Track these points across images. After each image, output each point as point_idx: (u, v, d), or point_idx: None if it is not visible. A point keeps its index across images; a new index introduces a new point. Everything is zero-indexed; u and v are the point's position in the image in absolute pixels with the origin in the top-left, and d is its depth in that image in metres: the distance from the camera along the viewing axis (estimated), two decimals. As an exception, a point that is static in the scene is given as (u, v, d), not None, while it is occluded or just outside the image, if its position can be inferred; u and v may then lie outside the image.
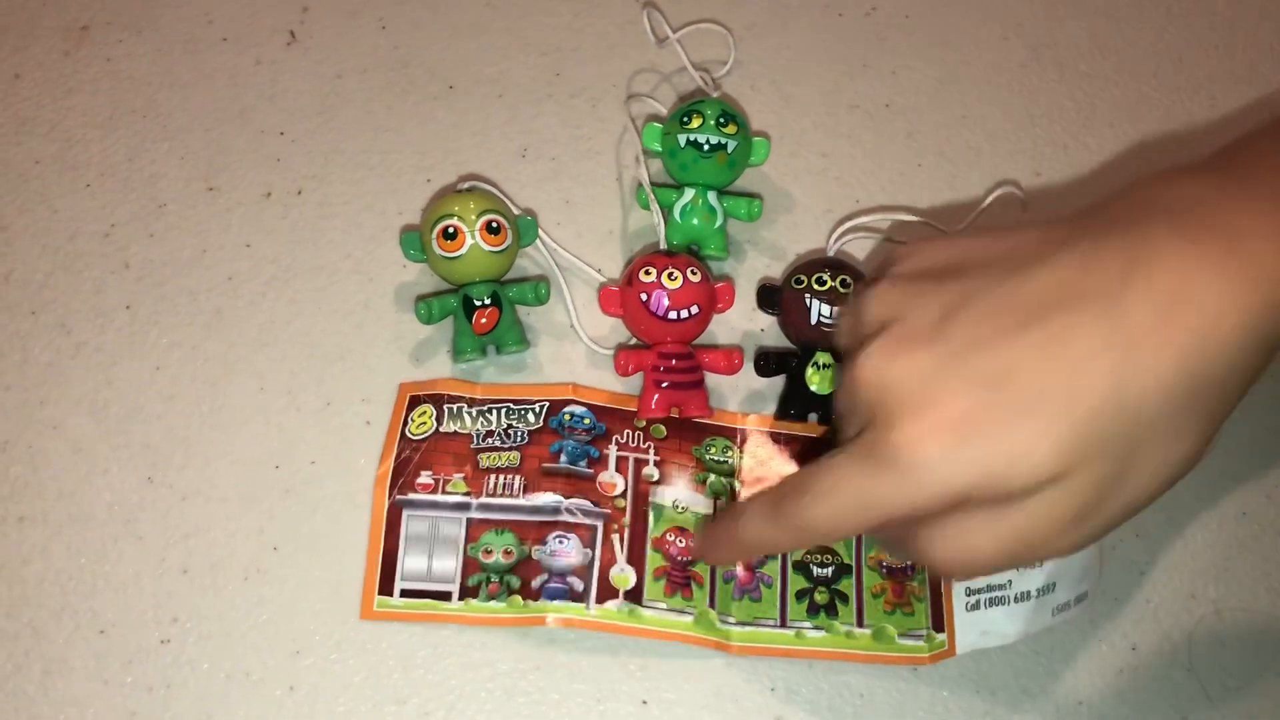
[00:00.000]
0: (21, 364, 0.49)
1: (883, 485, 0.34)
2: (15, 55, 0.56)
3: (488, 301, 0.48)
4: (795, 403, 0.48)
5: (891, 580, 0.46)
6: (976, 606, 0.44)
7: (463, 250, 0.47)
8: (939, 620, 0.45)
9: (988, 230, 0.38)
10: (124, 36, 0.57)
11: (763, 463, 0.48)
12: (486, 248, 0.47)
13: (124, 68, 0.56)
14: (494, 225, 0.47)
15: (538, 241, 0.51)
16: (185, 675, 0.44)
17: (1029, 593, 0.43)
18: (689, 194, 0.51)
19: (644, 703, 0.44)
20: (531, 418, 0.47)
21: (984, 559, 0.34)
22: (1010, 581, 0.44)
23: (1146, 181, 0.36)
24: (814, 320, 0.47)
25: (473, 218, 0.47)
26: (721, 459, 0.48)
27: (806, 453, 0.48)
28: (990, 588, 0.44)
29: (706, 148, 0.50)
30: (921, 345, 0.34)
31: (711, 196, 0.51)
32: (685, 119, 0.50)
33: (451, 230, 0.47)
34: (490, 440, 0.47)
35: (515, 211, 0.51)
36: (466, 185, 0.51)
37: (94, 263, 0.51)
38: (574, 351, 0.50)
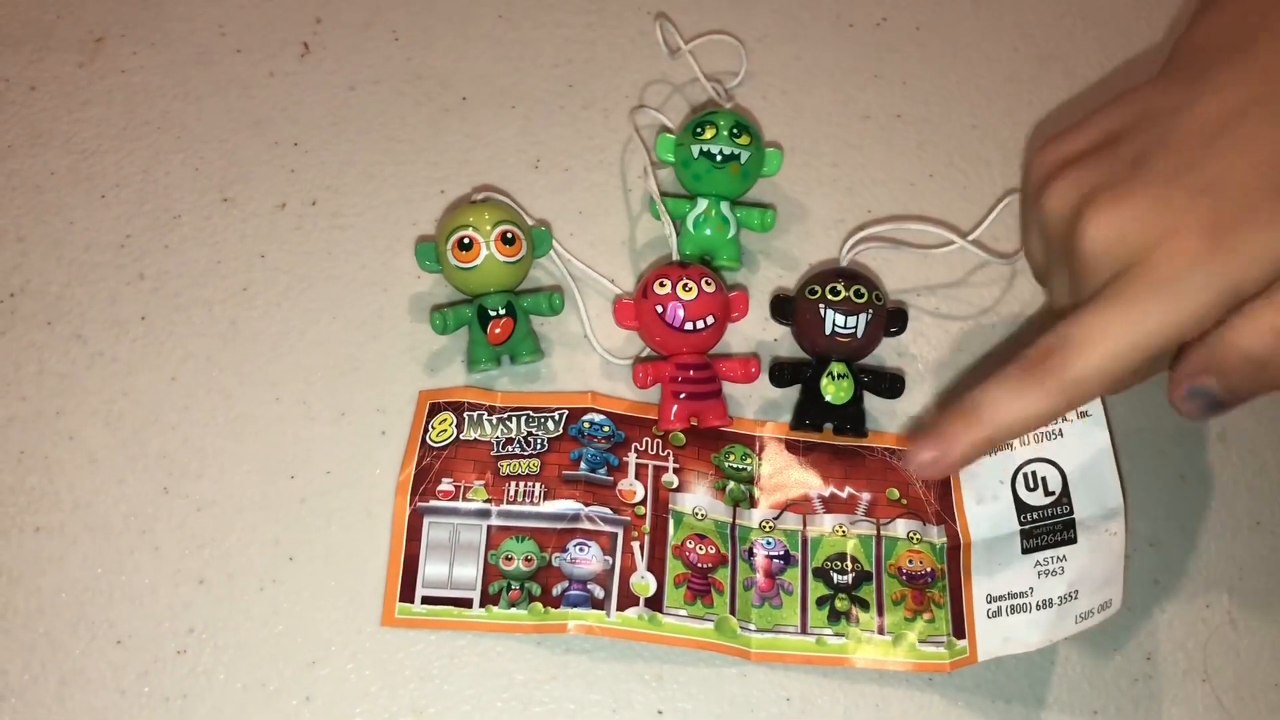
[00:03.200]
0: (38, 374, 0.49)
1: (1157, 313, 0.36)
2: (31, 67, 0.56)
3: (502, 312, 0.48)
4: (811, 413, 0.48)
5: (912, 587, 0.46)
6: (998, 614, 0.44)
7: (477, 261, 0.47)
8: (959, 627, 0.45)
9: (1091, 113, 0.41)
10: (138, 49, 0.57)
11: (781, 470, 0.48)
12: (501, 258, 0.47)
13: (138, 80, 0.56)
14: (509, 236, 0.48)
15: (551, 252, 0.51)
16: (202, 686, 0.44)
17: (1050, 600, 0.43)
18: (702, 204, 0.51)
19: (659, 712, 0.44)
20: (551, 425, 0.47)
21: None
22: (1032, 589, 0.44)
23: (1214, 19, 0.41)
24: (828, 330, 0.47)
25: (488, 228, 0.47)
26: (741, 466, 0.48)
27: (824, 461, 0.48)
28: (1011, 595, 0.44)
29: (720, 158, 0.50)
30: (1133, 191, 0.37)
31: (724, 207, 0.51)
32: (698, 130, 0.51)
33: (466, 241, 0.47)
34: (510, 448, 0.47)
35: (529, 222, 0.51)
36: (481, 196, 0.52)
37: (109, 274, 0.51)
38: (588, 361, 0.50)
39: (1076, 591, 0.43)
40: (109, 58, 0.57)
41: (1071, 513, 0.44)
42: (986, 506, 0.46)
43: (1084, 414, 0.45)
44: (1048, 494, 0.45)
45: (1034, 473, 0.45)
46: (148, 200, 0.53)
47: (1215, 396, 0.37)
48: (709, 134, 0.50)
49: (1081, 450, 0.45)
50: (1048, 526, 0.45)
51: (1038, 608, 0.43)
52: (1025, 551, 0.45)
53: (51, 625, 0.44)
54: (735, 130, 0.50)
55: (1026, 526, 0.45)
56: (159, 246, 0.52)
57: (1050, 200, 0.40)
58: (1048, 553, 0.44)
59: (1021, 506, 0.45)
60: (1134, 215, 0.37)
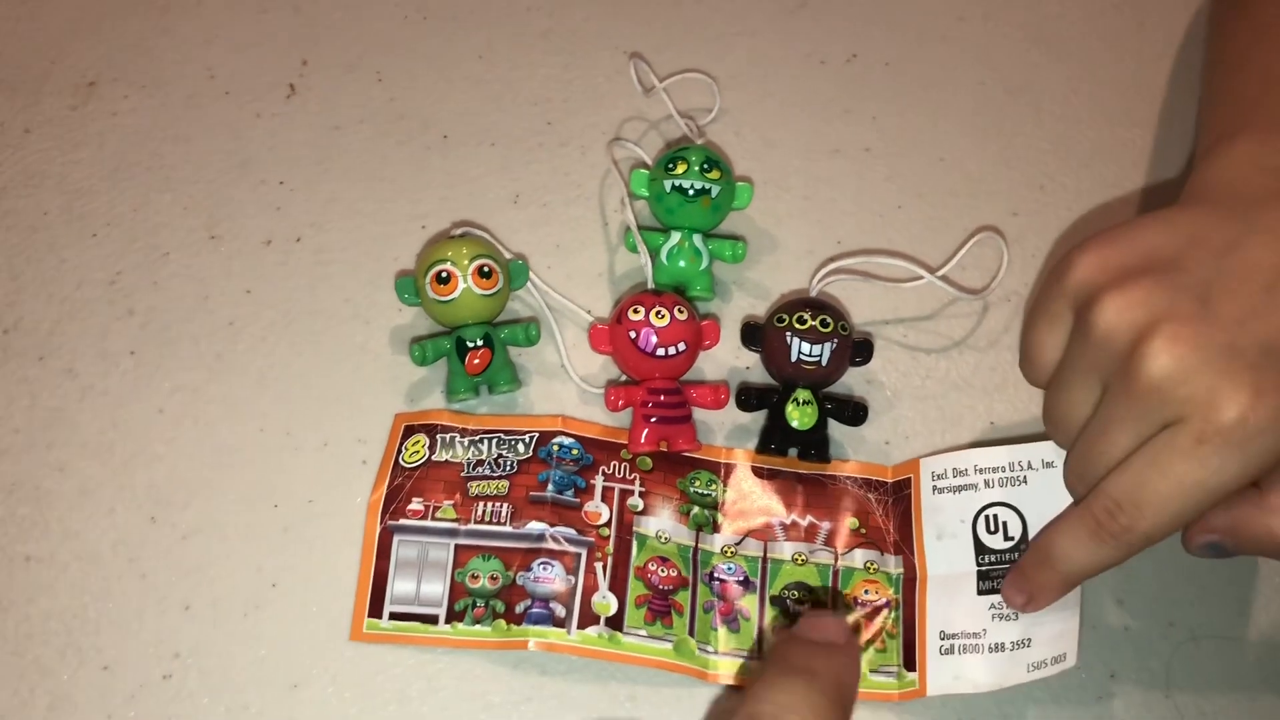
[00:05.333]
0: (29, 408, 0.50)
1: (1226, 465, 0.37)
2: (25, 111, 0.58)
3: (480, 343, 0.49)
4: (775, 437, 0.49)
5: (866, 618, 0.47)
6: (950, 651, 0.45)
7: (455, 294, 0.49)
8: (910, 659, 0.46)
9: (1136, 227, 0.43)
10: (129, 92, 0.59)
11: (745, 496, 0.49)
12: (478, 291, 0.49)
13: (129, 122, 0.58)
14: (486, 269, 0.49)
15: (529, 284, 0.53)
16: (186, 709, 0.45)
17: (1003, 645, 0.44)
18: (675, 237, 0.53)
19: (633, 732, 0.45)
20: (521, 448, 0.49)
21: None
22: (985, 630, 0.45)
23: (1244, 157, 0.45)
24: (794, 358, 0.49)
25: (465, 262, 0.49)
26: (705, 492, 0.49)
27: (788, 489, 0.50)
28: (964, 634, 0.45)
29: (691, 192, 0.52)
30: (1200, 331, 0.38)
31: (697, 239, 0.53)
32: (670, 165, 0.52)
33: (444, 274, 0.49)
34: (480, 469, 0.48)
35: (507, 256, 0.53)
36: (459, 231, 0.53)
37: (100, 310, 0.53)
38: (564, 390, 0.52)
39: (1029, 639, 0.44)
40: (101, 101, 0.59)
41: None
42: (946, 543, 0.47)
43: (1049, 464, 0.46)
44: (1007, 538, 0.46)
45: (995, 516, 0.46)
46: (138, 238, 0.55)
47: (1226, 550, 0.43)
48: (681, 169, 0.52)
49: (1044, 499, 0.45)
50: (1005, 570, 0.45)
51: (990, 650, 0.44)
52: (981, 593, 0.45)
53: (41, 651, 0.45)
54: (706, 165, 0.52)
55: (984, 568, 0.46)
56: (148, 283, 0.53)
57: (1106, 312, 0.40)
58: None
59: (980, 548, 0.46)
60: (1203, 358, 0.38)
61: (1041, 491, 0.46)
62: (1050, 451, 0.46)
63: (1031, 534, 0.45)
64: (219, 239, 0.55)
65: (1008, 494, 0.46)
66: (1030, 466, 0.46)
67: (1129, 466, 0.40)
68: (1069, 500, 0.45)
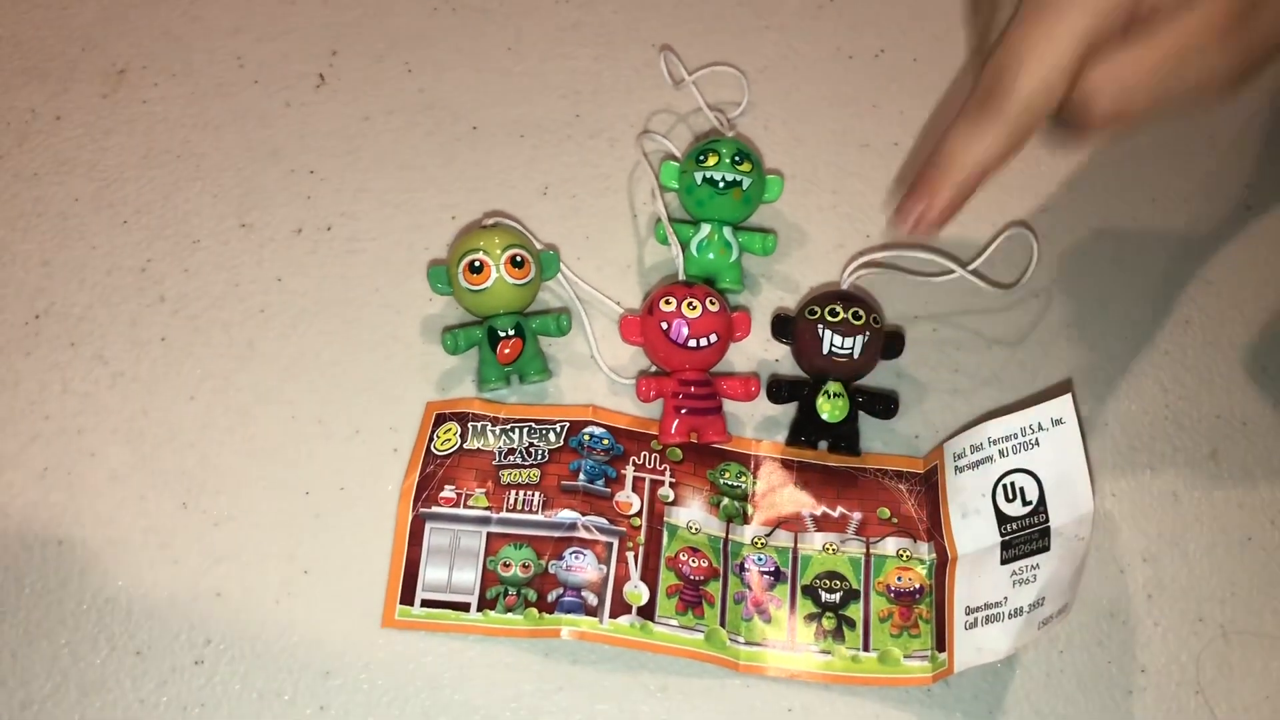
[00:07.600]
0: (61, 394, 0.50)
1: (1071, 18, 0.38)
2: (56, 98, 0.58)
3: (511, 332, 0.50)
4: (806, 430, 0.50)
5: (899, 604, 0.47)
6: (974, 625, 0.45)
7: (488, 283, 0.49)
8: (941, 640, 0.46)
9: None
10: (159, 80, 0.59)
11: (775, 488, 0.49)
12: (511, 281, 0.49)
13: (159, 110, 0.58)
14: (518, 259, 0.49)
15: (559, 275, 0.53)
16: (218, 696, 0.45)
17: (1021, 608, 0.44)
18: (705, 229, 0.53)
19: (663, 722, 0.45)
20: (552, 437, 0.49)
21: (1136, 83, 0.39)
22: (1006, 599, 0.45)
23: None
24: (826, 350, 0.49)
25: (498, 252, 0.49)
26: (735, 483, 0.49)
27: (817, 481, 0.50)
28: (987, 605, 0.45)
29: (722, 184, 0.52)
30: None
31: (727, 231, 0.53)
32: (701, 157, 0.52)
33: (477, 264, 0.49)
34: (512, 458, 0.48)
35: (538, 246, 0.53)
36: (491, 221, 0.53)
37: (130, 296, 0.53)
38: (594, 381, 0.52)
39: (1044, 598, 0.44)
40: (131, 89, 0.59)
41: (1047, 521, 0.45)
42: (971, 520, 0.47)
43: (1058, 421, 0.46)
44: (1025, 504, 0.46)
45: (1013, 483, 0.46)
46: (168, 226, 0.55)
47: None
48: (711, 161, 0.52)
49: (1057, 458, 0.46)
50: (1025, 536, 0.45)
51: (1009, 616, 0.44)
52: (1004, 562, 0.45)
53: (73, 637, 0.46)
54: (737, 158, 0.52)
55: (1006, 538, 0.46)
56: (179, 270, 0.54)
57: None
58: (1023, 562, 0.45)
59: (1002, 518, 0.46)
60: None
61: (1054, 451, 0.46)
62: (1058, 409, 0.46)
63: (1048, 495, 0.45)
64: (249, 227, 0.55)
65: (1021, 459, 0.46)
66: (1040, 428, 0.46)
67: (1004, 37, 0.40)
68: (1081, 456, 0.45)
